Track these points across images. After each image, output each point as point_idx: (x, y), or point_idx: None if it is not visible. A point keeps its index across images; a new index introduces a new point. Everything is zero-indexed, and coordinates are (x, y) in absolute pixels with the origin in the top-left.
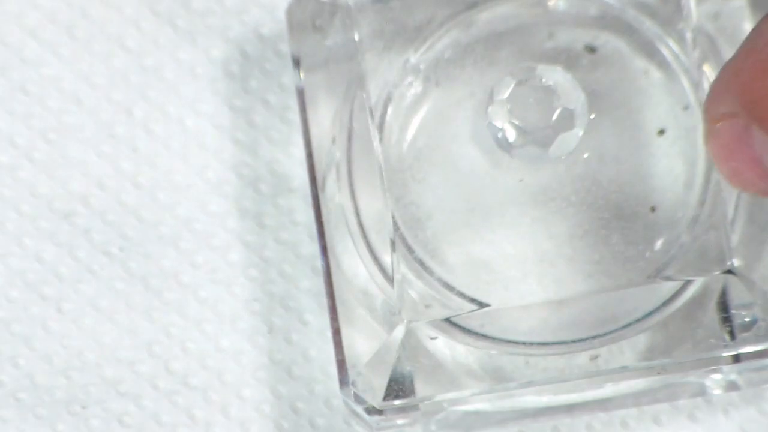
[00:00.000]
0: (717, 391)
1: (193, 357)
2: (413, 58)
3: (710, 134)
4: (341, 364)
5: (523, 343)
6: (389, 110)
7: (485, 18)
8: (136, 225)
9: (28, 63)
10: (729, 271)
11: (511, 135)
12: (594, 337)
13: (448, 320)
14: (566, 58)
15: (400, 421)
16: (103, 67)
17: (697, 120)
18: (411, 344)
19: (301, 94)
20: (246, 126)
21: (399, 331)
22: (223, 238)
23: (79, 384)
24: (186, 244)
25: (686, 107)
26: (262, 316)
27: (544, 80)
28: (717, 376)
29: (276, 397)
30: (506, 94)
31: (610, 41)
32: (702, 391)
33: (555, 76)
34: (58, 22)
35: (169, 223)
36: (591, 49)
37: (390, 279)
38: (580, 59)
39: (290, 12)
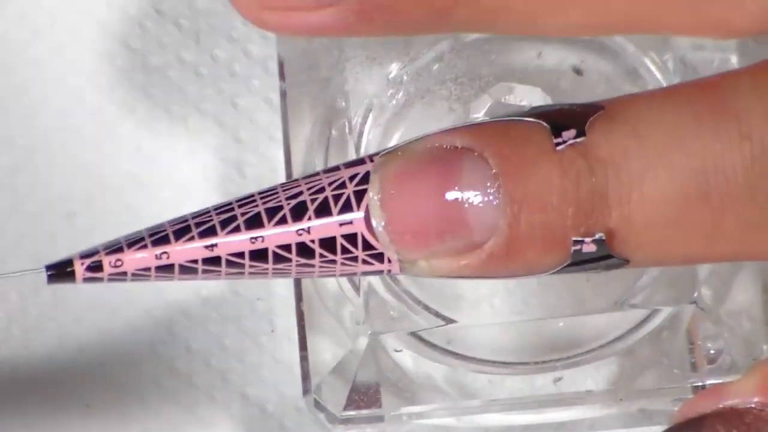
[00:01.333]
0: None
1: (162, 359)
2: (396, 70)
3: None
4: (305, 371)
5: (488, 362)
6: (369, 120)
7: (472, 35)
8: (138, 225)
9: (31, 63)
10: (696, 303)
11: None
12: (558, 360)
13: (413, 334)
14: (552, 79)
15: None
16: (107, 66)
17: None
18: (375, 355)
19: (284, 97)
20: (249, 125)
21: (363, 342)
22: None
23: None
24: None
25: None
26: (232, 318)
27: (521, 101)
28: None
29: (244, 399)
30: (482, 113)
31: (596, 65)
32: (666, 419)
33: (533, 97)
34: (60, 21)
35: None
36: (578, 72)
37: (357, 287)
38: (566, 81)
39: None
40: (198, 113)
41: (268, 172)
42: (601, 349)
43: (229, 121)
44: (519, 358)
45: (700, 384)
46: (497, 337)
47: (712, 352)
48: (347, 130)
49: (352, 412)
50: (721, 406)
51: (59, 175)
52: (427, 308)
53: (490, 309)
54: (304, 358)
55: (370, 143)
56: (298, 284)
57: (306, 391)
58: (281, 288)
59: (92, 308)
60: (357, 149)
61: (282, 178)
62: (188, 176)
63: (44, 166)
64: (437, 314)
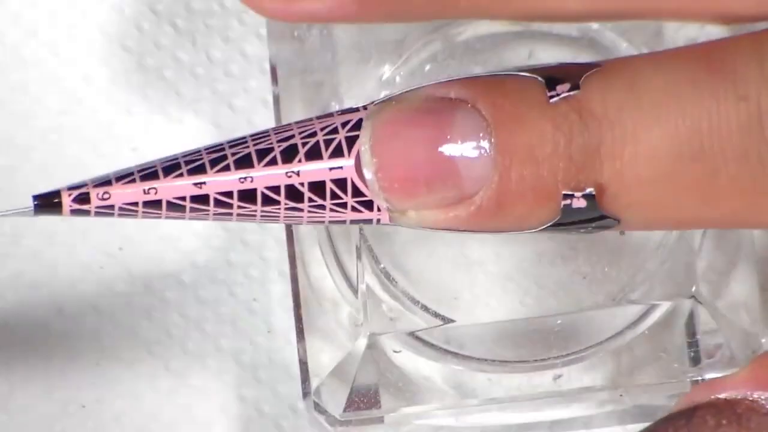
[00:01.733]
0: None
1: (158, 359)
2: (389, 72)
3: None
4: (304, 373)
5: (486, 361)
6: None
7: (464, 35)
8: (136, 225)
9: (28, 63)
10: (694, 298)
11: None
12: (557, 358)
13: (412, 334)
14: None
15: None
16: (103, 66)
17: None
18: (374, 356)
19: (276, 101)
20: (246, 125)
21: (362, 343)
22: (222, 237)
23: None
24: (186, 244)
25: None
26: (228, 318)
27: None
28: None
29: (241, 400)
30: None
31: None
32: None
33: None
34: (57, 22)
35: (170, 222)
36: None
37: (355, 289)
38: None
39: (270, 20)
40: (194, 114)
41: None
42: (600, 346)
43: (225, 121)
44: (518, 356)
45: (699, 378)
46: (495, 336)
47: (711, 346)
48: None
49: (351, 414)
50: (713, 397)
51: (57, 175)
52: (425, 308)
53: (487, 308)
54: (303, 361)
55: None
56: (295, 286)
57: (306, 393)
58: (278, 288)
59: (92, 307)
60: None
61: None
62: None
63: (41, 166)
64: (435, 314)
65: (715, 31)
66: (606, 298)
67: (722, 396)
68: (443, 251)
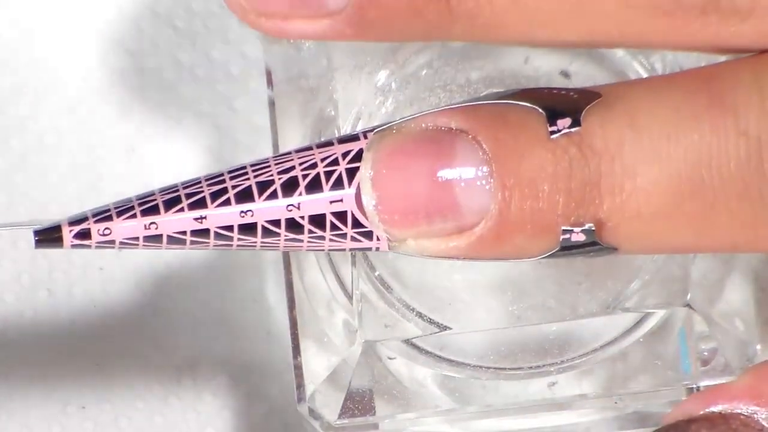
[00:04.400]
0: None
1: (159, 360)
2: (385, 78)
3: None
4: (299, 379)
5: (481, 368)
6: (358, 128)
7: (461, 42)
8: None
9: (26, 64)
10: (689, 306)
11: None
12: (552, 365)
13: (407, 341)
14: (540, 84)
15: None
16: (103, 68)
17: None
18: (369, 363)
19: (272, 106)
20: (245, 126)
21: (357, 349)
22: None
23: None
24: None
25: None
26: (227, 318)
27: None
28: None
29: (240, 400)
30: None
31: (584, 68)
32: (661, 422)
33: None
34: (57, 23)
35: None
36: (566, 75)
37: (350, 295)
38: (555, 85)
39: None
40: (194, 115)
41: None
42: (595, 353)
43: (225, 122)
44: (513, 363)
45: (694, 386)
46: (491, 343)
47: (705, 354)
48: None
49: (346, 420)
50: (709, 410)
51: (55, 176)
52: (420, 315)
53: (482, 315)
54: (297, 367)
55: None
56: (290, 292)
57: (300, 399)
58: (276, 289)
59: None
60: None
61: None
62: (184, 178)
63: (40, 167)
64: (430, 321)
65: None
66: (601, 305)
67: (717, 409)
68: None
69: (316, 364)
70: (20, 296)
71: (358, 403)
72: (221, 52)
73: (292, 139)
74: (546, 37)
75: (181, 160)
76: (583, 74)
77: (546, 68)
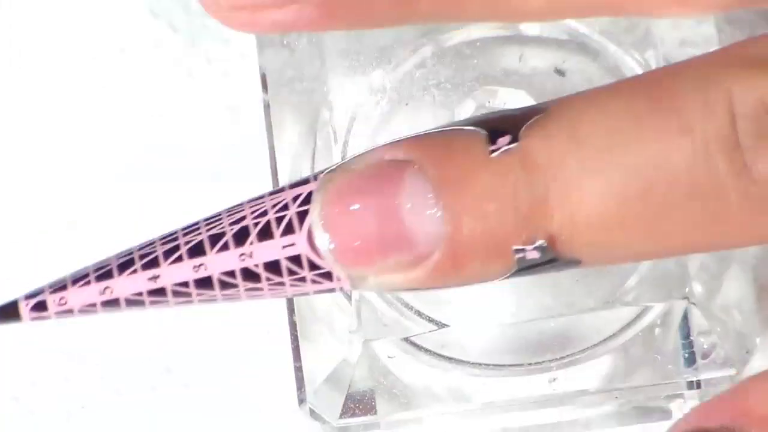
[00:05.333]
0: (679, 415)
1: (159, 360)
2: (379, 78)
3: None
4: (299, 380)
5: (481, 365)
6: (354, 129)
7: (454, 40)
8: (135, 232)
9: (24, 65)
10: (688, 299)
11: None
12: (552, 361)
13: (406, 340)
14: (535, 81)
15: None
16: (101, 67)
17: None
18: (369, 362)
19: (267, 109)
20: (244, 127)
21: (356, 349)
22: None
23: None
24: None
25: None
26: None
27: (506, 104)
28: (678, 401)
29: (240, 400)
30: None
31: (578, 65)
32: (665, 416)
33: (517, 99)
34: (56, 23)
35: (169, 226)
36: (560, 72)
37: (348, 296)
38: (549, 82)
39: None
40: (192, 115)
41: (263, 175)
42: (595, 348)
43: (223, 123)
44: (513, 360)
45: (693, 380)
46: (490, 340)
47: (705, 347)
48: (332, 140)
49: (348, 420)
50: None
51: (55, 176)
52: (419, 313)
53: (482, 312)
54: (298, 368)
55: (357, 152)
56: None
57: (301, 400)
58: None
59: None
60: (343, 159)
61: (271, 186)
62: (179, 179)
63: (38, 167)
64: (430, 319)
65: (709, 31)
66: (600, 300)
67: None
68: None
69: (316, 365)
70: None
71: (358, 403)
72: (219, 52)
73: (288, 142)
74: (515, 6)
75: (180, 159)
76: (578, 71)
77: (541, 66)
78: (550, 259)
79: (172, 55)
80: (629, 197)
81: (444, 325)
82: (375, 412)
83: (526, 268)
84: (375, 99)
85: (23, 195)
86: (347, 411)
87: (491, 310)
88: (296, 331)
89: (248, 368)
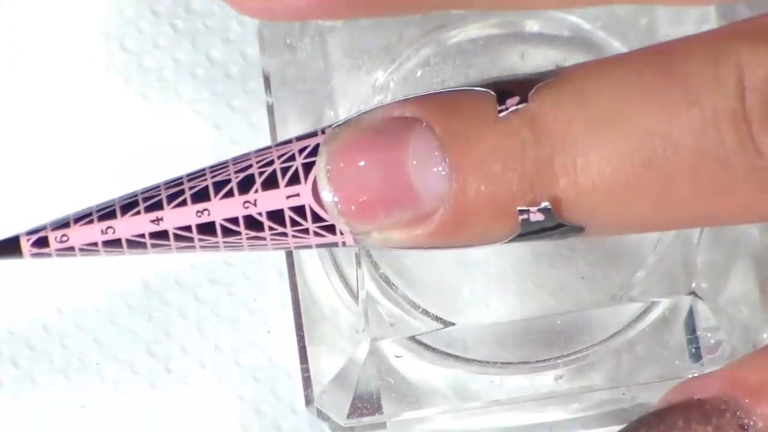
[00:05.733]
0: None
1: (159, 360)
2: (382, 77)
3: None
4: (306, 381)
5: (488, 363)
6: None
7: (456, 38)
8: None
9: (25, 65)
10: (694, 293)
11: None
12: (558, 358)
13: (413, 339)
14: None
15: None
16: (102, 67)
17: None
18: (376, 362)
19: (270, 110)
20: (245, 127)
21: (363, 349)
22: None
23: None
24: None
25: None
26: (227, 318)
27: None
28: None
29: (241, 400)
30: None
31: (580, 62)
32: None
33: None
34: (56, 23)
35: None
36: None
37: (355, 295)
38: None
39: (262, 29)
40: (194, 114)
41: None
42: (601, 345)
43: (224, 122)
44: (519, 357)
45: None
46: (496, 338)
47: (712, 342)
48: None
49: (355, 420)
50: (688, 398)
51: (53, 176)
52: (425, 312)
53: (487, 310)
54: (305, 369)
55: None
56: (295, 294)
57: (309, 401)
58: (277, 288)
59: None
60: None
61: None
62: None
63: (38, 167)
64: (436, 318)
65: (712, 26)
66: (606, 296)
67: (696, 397)
68: (442, 254)
69: (323, 365)
70: (21, 296)
71: (366, 403)
72: (221, 52)
73: None
74: None
75: (181, 160)
76: None
77: (542, 63)
78: (554, 225)
79: (173, 55)
80: (634, 164)
81: (450, 324)
82: (382, 412)
83: (529, 233)
84: (379, 98)
85: (23, 195)
86: (355, 411)
87: (497, 307)
88: (302, 331)
89: (248, 368)
